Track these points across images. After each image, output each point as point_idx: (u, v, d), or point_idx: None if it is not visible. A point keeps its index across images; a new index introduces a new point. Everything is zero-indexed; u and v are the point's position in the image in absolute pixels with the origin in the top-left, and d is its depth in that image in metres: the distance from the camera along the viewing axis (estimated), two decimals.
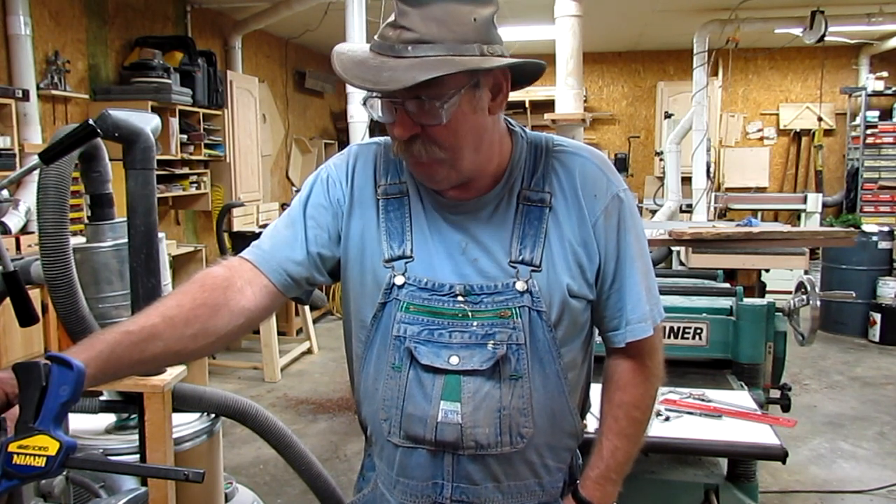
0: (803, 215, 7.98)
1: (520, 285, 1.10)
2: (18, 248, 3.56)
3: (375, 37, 1.05)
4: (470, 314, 1.10)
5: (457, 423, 1.09)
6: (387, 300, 1.13)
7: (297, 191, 1.24)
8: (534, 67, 1.10)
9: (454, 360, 1.09)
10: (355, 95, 4.50)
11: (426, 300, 1.11)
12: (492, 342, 1.09)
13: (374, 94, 1.05)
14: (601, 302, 1.17)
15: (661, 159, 7.32)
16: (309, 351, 5.74)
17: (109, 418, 1.86)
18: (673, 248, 5.47)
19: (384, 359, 1.14)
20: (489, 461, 1.12)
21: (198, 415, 1.87)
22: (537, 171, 1.15)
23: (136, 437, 1.63)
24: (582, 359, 1.20)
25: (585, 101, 8.62)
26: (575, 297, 1.13)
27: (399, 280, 1.12)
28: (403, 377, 1.12)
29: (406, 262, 1.13)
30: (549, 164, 1.15)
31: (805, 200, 7.97)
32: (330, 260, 1.19)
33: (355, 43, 3.57)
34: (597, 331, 1.24)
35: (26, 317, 1.49)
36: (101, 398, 1.73)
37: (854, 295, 3.73)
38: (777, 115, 8.96)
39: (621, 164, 7.33)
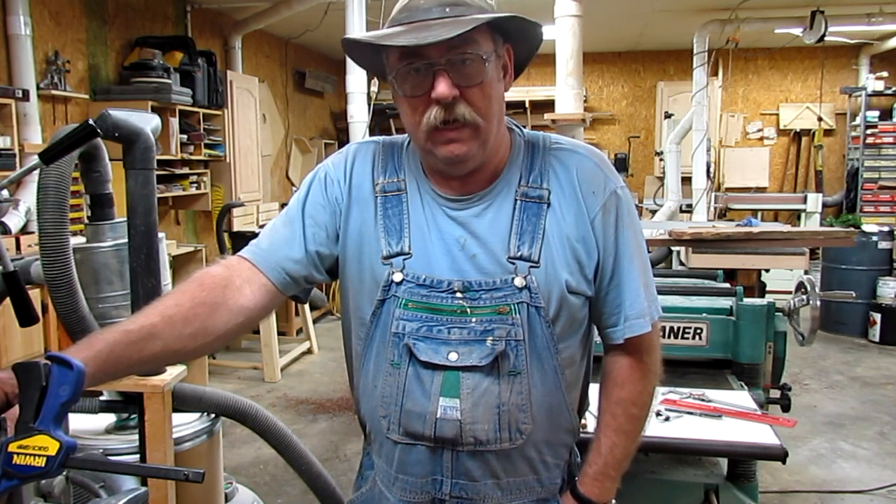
0: (803, 215, 7.97)
1: (518, 281, 1.10)
2: (18, 248, 3.56)
3: (395, 13, 1.08)
4: (468, 310, 1.10)
5: (456, 420, 1.10)
6: (385, 297, 1.13)
7: (297, 190, 1.24)
8: (533, 30, 1.13)
9: (453, 356, 1.10)
10: (355, 96, 4.49)
11: (425, 297, 1.11)
12: (490, 338, 1.10)
13: (411, 62, 1.04)
14: (599, 298, 1.17)
15: (661, 159, 7.32)
16: (309, 351, 5.74)
17: (109, 418, 1.86)
18: (673, 248, 5.47)
19: (383, 356, 1.14)
20: (488, 457, 1.13)
21: (198, 415, 1.87)
22: (535, 168, 1.16)
23: (136, 437, 1.63)
24: (580, 356, 1.20)
25: (585, 101, 8.62)
26: (573, 293, 1.13)
27: (397, 277, 1.12)
28: (402, 374, 1.12)
29: (404, 259, 1.13)
30: (547, 162, 1.16)
31: (805, 200, 7.97)
32: (328, 258, 1.19)
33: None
34: (596, 330, 1.24)
35: (26, 317, 1.49)
36: (101, 398, 1.73)
37: (854, 295, 3.74)
38: (777, 115, 8.95)
39: (621, 164, 7.32)
